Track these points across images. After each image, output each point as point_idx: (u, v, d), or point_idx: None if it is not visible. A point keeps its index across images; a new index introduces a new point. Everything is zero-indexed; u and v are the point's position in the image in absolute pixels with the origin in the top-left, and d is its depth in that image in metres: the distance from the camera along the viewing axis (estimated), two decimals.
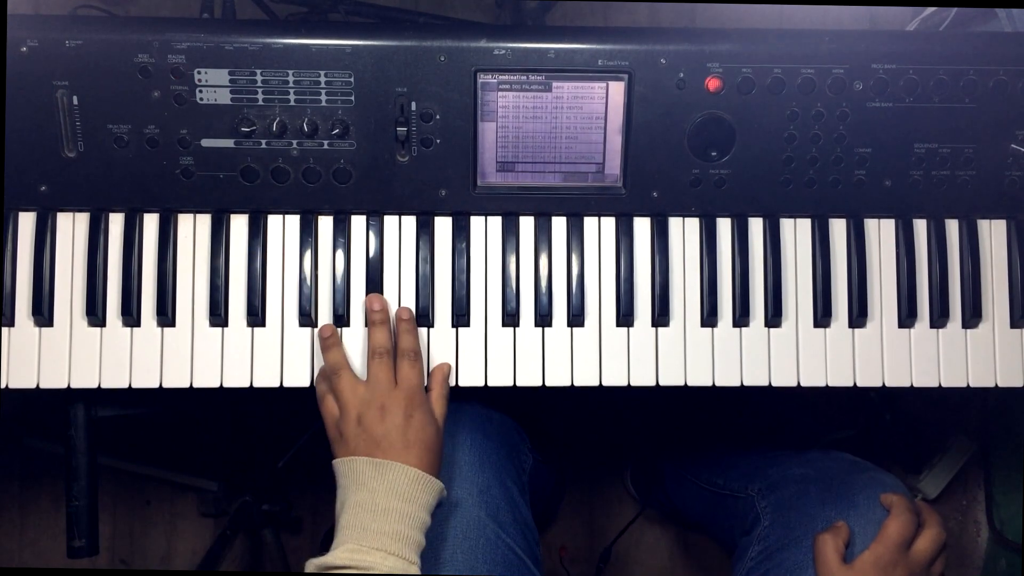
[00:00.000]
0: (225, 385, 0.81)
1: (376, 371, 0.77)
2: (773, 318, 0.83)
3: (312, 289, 0.82)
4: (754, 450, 1.00)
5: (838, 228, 0.85)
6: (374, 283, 0.82)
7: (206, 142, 0.78)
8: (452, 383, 0.82)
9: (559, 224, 0.84)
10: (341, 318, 0.81)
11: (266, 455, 1.26)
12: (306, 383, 0.81)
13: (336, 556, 0.68)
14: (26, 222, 0.81)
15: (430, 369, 0.81)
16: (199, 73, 0.76)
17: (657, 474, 1.27)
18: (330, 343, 0.79)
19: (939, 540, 0.81)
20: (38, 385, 0.80)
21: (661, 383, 0.83)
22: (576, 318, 0.83)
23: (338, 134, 0.78)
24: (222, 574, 1.30)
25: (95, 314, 0.80)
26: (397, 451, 0.73)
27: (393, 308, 0.81)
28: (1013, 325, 0.85)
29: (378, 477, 0.72)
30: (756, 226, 0.84)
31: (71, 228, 0.81)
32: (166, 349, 0.81)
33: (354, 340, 0.81)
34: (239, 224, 0.82)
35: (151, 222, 0.81)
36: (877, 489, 0.84)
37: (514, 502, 0.83)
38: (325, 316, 0.82)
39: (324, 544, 1.20)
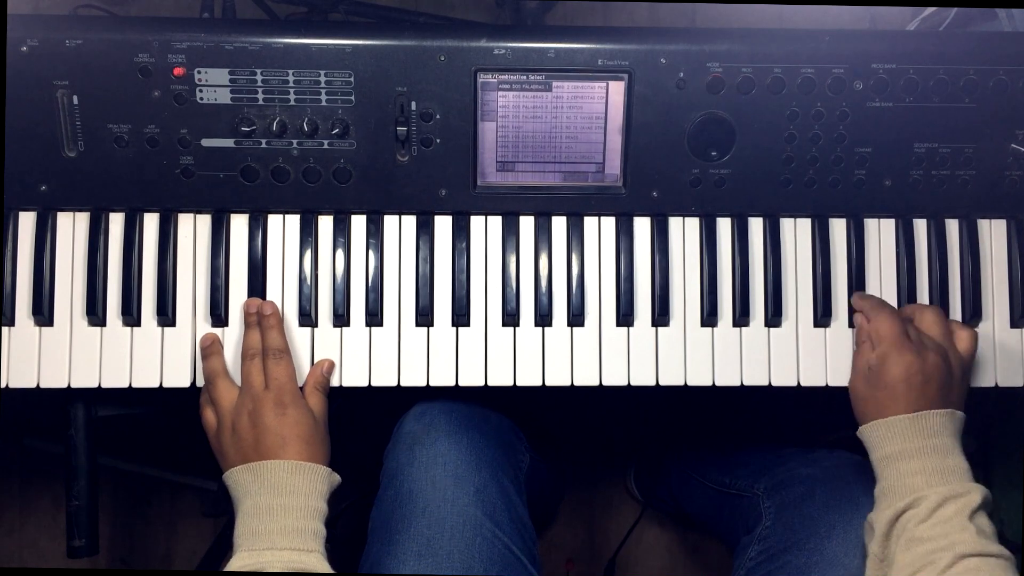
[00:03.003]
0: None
1: (247, 373, 0.78)
2: (773, 318, 0.83)
3: (312, 289, 0.81)
4: (761, 448, 1.00)
5: (838, 228, 0.85)
6: (374, 283, 0.82)
7: (206, 142, 0.78)
8: (452, 383, 0.82)
9: (559, 224, 0.84)
10: (341, 318, 0.81)
11: None
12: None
13: (230, 567, 0.68)
14: (26, 222, 0.81)
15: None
16: (199, 73, 0.76)
17: (661, 474, 1.27)
18: (208, 352, 0.80)
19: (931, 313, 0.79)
20: (38, 385, 0.80)
21: (661, 383, 0.83)
22: (576, 318, 0.83)
23: (338, 134, 0.78)
24: (222, 574, 1.30)
25: (95, 314, 0.80)
26: (274, 450, 0.73)
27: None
28: (1013, 325, 0.85)
29: (256, 480, 0.72)
30: (756, 226, 0.84)
31: (71, 228, 0.81)
32: (166, 349, 0.81)
33: (354, 341, 0.81)
34: (239, 224, 0.82)
35: (151, 222, 0.81)
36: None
37: (511, 501, 0.83)
38: (325, 316, 0.82)
39: None
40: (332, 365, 0.81)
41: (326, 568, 0.70)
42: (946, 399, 0.75)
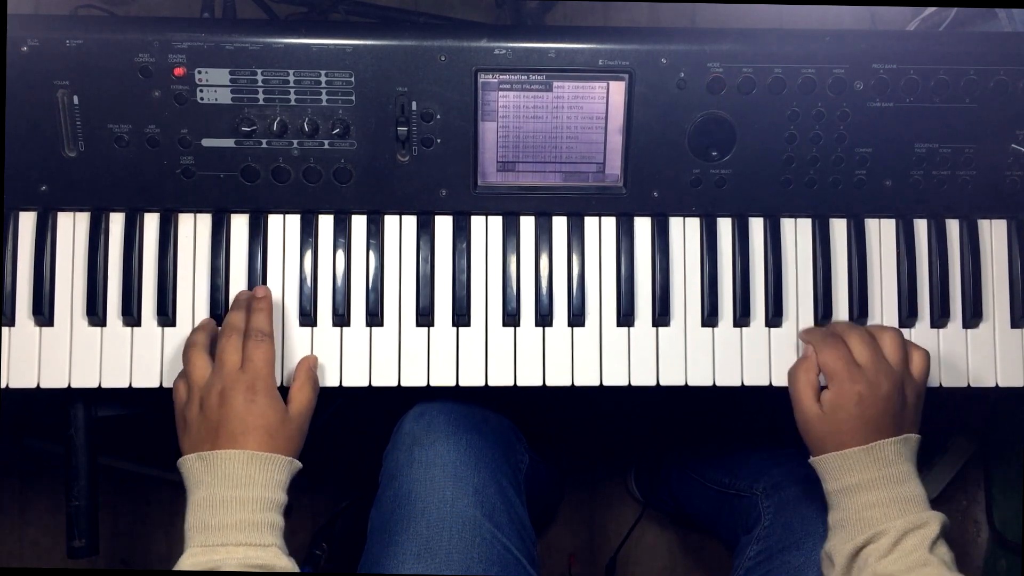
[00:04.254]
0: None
1: (223, 349, 0.75)
2: (774, 318, 0.83)
3: (312, 289, 0.81)
4: (760, 448, 1.00)
5: (838, 228, 0.85)
6: (374, 282, 0.82)
7: (206, 142, 0.78)
8: (452, 383, 0.82)
9: (559, 224, 0.84)
10: (342, 318, 0.81)
11: None
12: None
13: (181, 564, 0.67)
14: (26, 222, 0.81)
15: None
16: (199, 73, 0.76)
17: (661, 474, 1.27)
18: (198, 327, 0.79)
19: (872, 338, 0.77)
20: (38, 385, 0.80)
21: (662, 383, 0.83)
22: (576, 318, 0.83)
23: (338, 134, 0.78)
24: (221, 574, 1.30)
25: (95, 314, 0.80)
26: (234, 438, 0.70)
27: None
28: (1013, 325, 0.85)
29: (209, 471, 0.70)
30: (756, 226, 0.84)
31: (71, 228, 0.81)
32: (167, 349, 0.81)
33: (354, 341, 0.81)
34: (239, 224, 0.82)
35: (151, 222, 0.81)
36: None
37: (510, 502, 0.83)
38: (325, 316, 0.82)
39: (314, 543, 1.20)
40: (315, 361, 0.80)
41: (284, 561, 0.68)
42: (899, 426, 0.74)
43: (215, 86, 0.77)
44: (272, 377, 0.75)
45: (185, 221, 0.82)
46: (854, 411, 0.73)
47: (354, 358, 0.81)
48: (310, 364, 0.79)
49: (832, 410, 0.74)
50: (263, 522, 0.68)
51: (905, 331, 0.84)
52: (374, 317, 0.82)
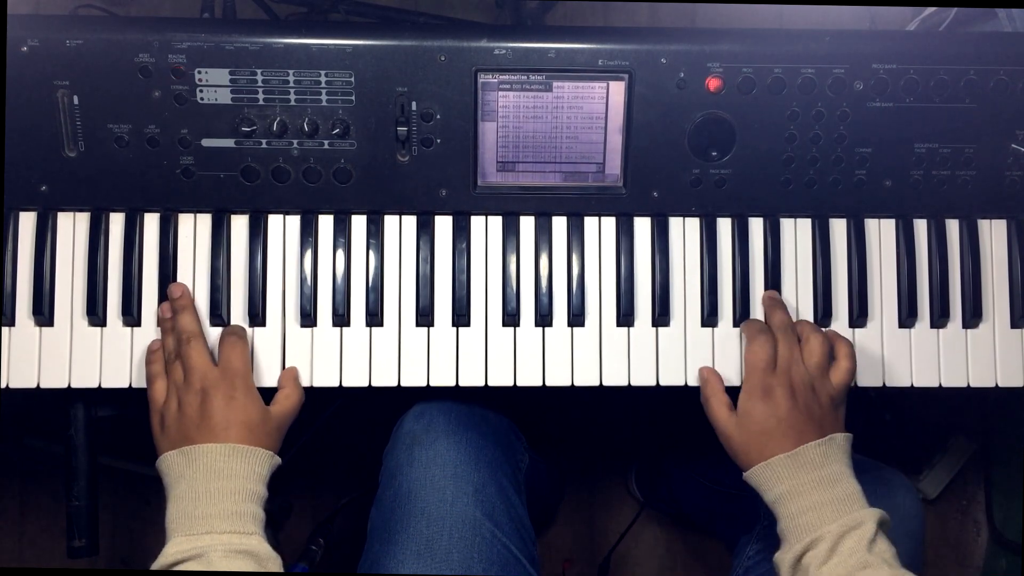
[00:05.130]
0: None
1: (187, 355, 0.75)
2: None
3: (312, 289, 0.81)
4: None
5: (838, 228, 0.85)
6: (374, 282, 0.82)
7: (206, 142, 0.78)
8: (452, 383, 0.82)
9: (559, 224, 0.84)
10: (341, 318, 0.81)
11: None
12: (303, 382, 0.81)
13: (166, 554, 0.67)
14: (26, 222, 0.81)
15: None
16: (199, 73, 0.76)
17: (662, 474, 1.27)
18: (165, 327, 0.79)
19: (794, 347, 0.77)
20: (38, 385, 0.80)
21: (661, 383, 0.83)
22: (576, 318, 0.83)
23: (338, 134, 0.78)
24: (220, 574, 1.30)
25: (95, 314, 0.80)
26: (215, 433, 0.72)
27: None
28: (1013, 325, 0.85)
29: (191, 464, 0.70)
30: (756, 226, 0.84)
31: (71, 228, 0.81)
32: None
33: (354, 341, 0.81)
34: (239, 224, 0.82)
35: (151, 222, 0.81)
36: (880, 489, 0.84)
37: (510, 501, 0.83)
38: (325, 316, 0.82)
39: (311, 538, 1.20)
40: (297, 372, 0.80)
41: (268, 549, 0.68)
42: (821, 428, 0.74)
43: (215, 86, 0.77)
44: (250, 376, 0.76)
45: (185, 221, 0.82)
46: (771, 422, 0.74)
47: (354, 358, 0.81)
48: (296, 373, 0.80)
49: (744, 413, 0.75)
50: (246, 512, 0.69)
51: (905, 331, 0.84)
52: (374, 317, 0.82)
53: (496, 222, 0.83)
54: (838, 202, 0.83)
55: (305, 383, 0.81)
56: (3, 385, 0.80)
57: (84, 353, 0.80)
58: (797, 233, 0.85)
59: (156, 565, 0.66)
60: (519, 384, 0.82)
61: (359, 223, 0.83)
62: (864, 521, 0.69)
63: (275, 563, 0.69)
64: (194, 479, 0.70)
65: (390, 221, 0.83)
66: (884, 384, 0.84)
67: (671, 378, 0.83)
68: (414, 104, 0.78)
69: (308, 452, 1.22)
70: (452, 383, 0.82)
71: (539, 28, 1.03)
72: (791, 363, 0.76)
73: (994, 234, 0.86)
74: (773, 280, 0.84)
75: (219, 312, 0.80)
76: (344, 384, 0.81)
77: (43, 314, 0.79)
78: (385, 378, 0.82)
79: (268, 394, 0.79)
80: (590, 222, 0.84)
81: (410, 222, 0.83)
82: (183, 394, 0.74)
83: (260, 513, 0.70)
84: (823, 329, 0.82)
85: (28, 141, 0.77)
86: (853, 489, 0.72)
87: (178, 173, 0.79)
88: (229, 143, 0.78)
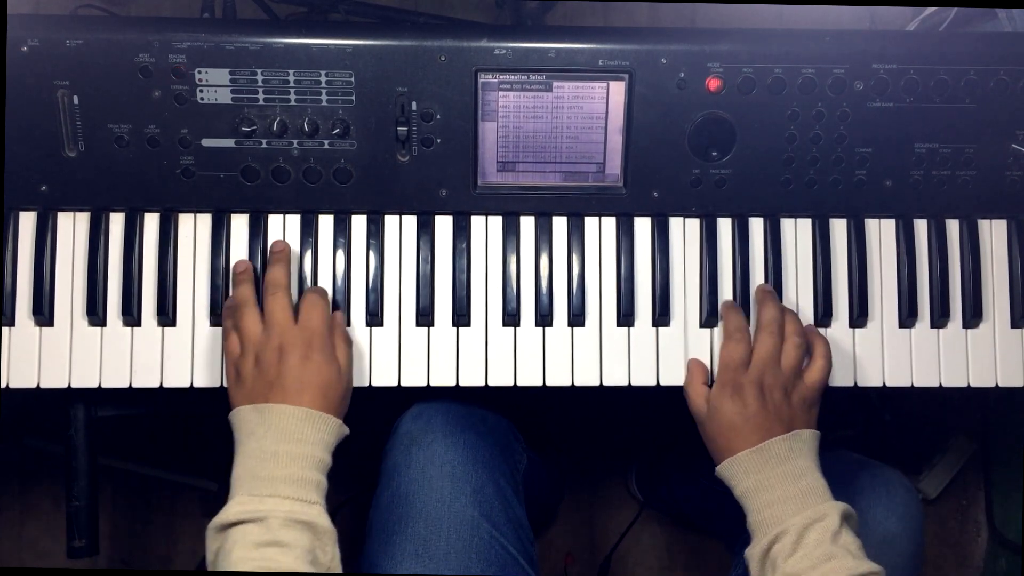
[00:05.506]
0: (225, 385, 0.81)
1: (271, 308, 0.75)
2: None
3: None
4: None
5: (839, 228, 0.85)
6: (375, 282, 0.82)
7: (207, 142, 0.78)
8: (452, 383, 0.82)
9: (560, 224, 0.84)
10: None
11: None
12: None
13: (228, 511, 0.67)
14: (26, 222, 0.81)
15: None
16: (200, 73, 0.76)
17: (662, 474, 1.27)
18: (241, 279, 0.78)
19: (776, 347, 0.78)
20: (38, 385, 0.80)
21: (661, 383, 0.83)
22: (576, 318, 0.83)
23: (339, 134, 0.78)
24: (221, 574, 1.30)
25: (95, 314, 0.80)
26: (291, 393, 0.71)
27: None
28: (1013, 325, 0.85)
29: (263, 423, 0.70)
30: (756, 226, 0.84)
31: (71, 228, 0.81)
32: (166, 349, 0.81)
33: (354, 340, 0.81)
34: (240, 224, 0.82)
35: (151, 222, 0.81)
36: (880, 488, 0.84)
37: (508, 502, 0.83)
38: None
39: None
40: (342, 318, 0.80)
41: (327, 522, 0.68)
42: (787, 425, 0.75)
43: (215, 86, 0.77)
44: (327, 336, 0.76)
45: (185, 221, 0.82)
46: (738, 420, 0.75)
47: (354, 358, 0.81)
48: (340, 319, 0.79)
49: (714, 408, 0.77)
50: (311, 480, 0.69)
51: (905, 331, 0.84)
52: (374, 317, 0.82)
53: (496, 222, 0.83)
54: (838, 202, 0.83)
55: None
56: (3, 385, 0.79)
57: (84, 353, 0.80)
58: (797, 233, 0.85)
59: (217, 521, 0.67)
60: (519, 384, 0.82)
61: (359, 223, 0.83)
62: (828, 514, 0.70)
63: (330, 537, 0.68)
64: (264, 438, 0.69)
65: (390, 221, 0.83)
66: (884, 384, 0.84)
67: (671, 378, 0.83)
68: (414, 104, 0.78)
69: None
70: (452, 383, 0.82)
71: (539, 28, 1.03)
72: (767, 364, 0.77)
73: (994, 234, 0.86)
74: (773, 280, 0.84)
75: (219, 312, 0.80)
76: None
77: (43, 314, 0.79)
78: (385, 378, 0.82)
79: None
80: (590, 222, 0.84)
81: (410, 222, 0.83)
82: (261, 349, 0.73)
83: (324, 482, 0.70)
84: (804, 325, 0.82)
85: (28, 141, 0.77)
86: (817, 483, 0.73)
87: (178, 173, 0.79)
88: (229, 143, 0.78)
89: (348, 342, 0.79)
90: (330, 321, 0.78)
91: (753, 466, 0.74)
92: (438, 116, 0.78)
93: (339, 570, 0.68)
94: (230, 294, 0.79)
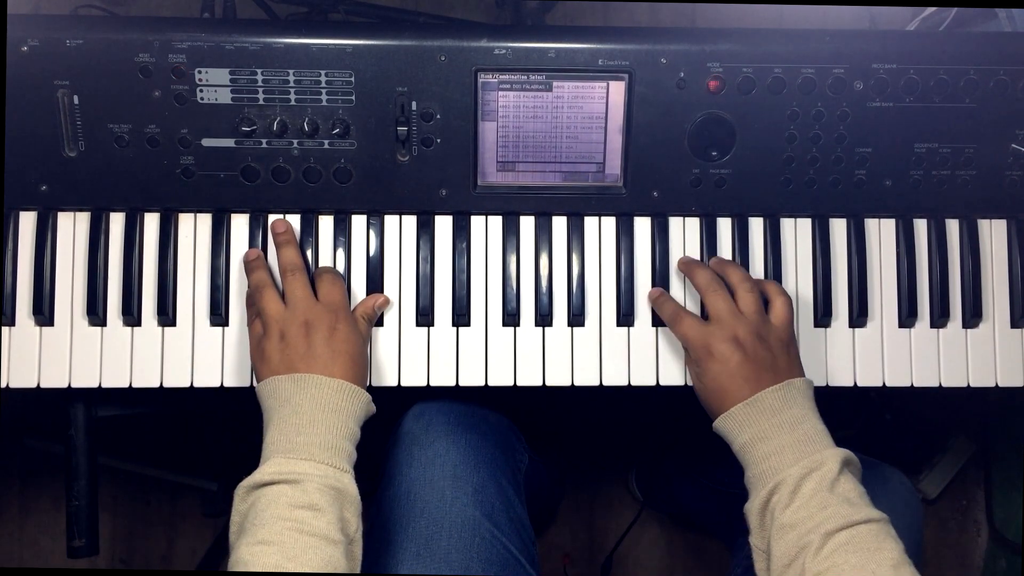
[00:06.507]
0: (226, 385, 0.81)
1: (292, 288, 0.77)
2: None
3: None
4: None
5: (838, 228, 0.85)
6: (374, 282, 0.82)
7: (207, 142, 0.78)
8: (452, 383, 0.82)
9: (559, 224, 0.84)
10: None
11: None
12: None
13: (263, 471, 0.67)
14: (27, 222, 0.81)
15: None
16: (200, 73, 0.76)
17: (662, 473, 1.27)
18: (255, 265, 0.79)
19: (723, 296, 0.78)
20: (38, 385, 0.80)
21: (661, 383, 0.83)
22: (576, 318, 0.83)
23: (339, 134, 0.78)
24: (222, 574, 1.30)
25: (96, 314, 0.80)
26: (322, 364, 0.72)
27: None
28: (1013, 325, 0.85)
29: (301, 392, 0.71)
30: (756, 226, 0.85)
31: (72, 228, 0.81)
32: (167, 349, 0.81)
33: None
34: (240, 224, 0.82)
35: (152, 222, 0.81)
36: (879, 488, 0.83)
37: (509, 501, 0.83)
38: None
39: None
40: (387, 302, 0.81)
41: (356, 492, 0.69)
42: (776, 374, 0.74)
43: (215, 86, 0.77)
44: (348, 311, 0.78)
45: (185, 221, 0.82)
46: (713, 368, 0.75)
47: None
48: (375, 303, 0.81)
49: (697, 376, 0.77)
50: (344, 448, 0.70)
51: (905, 331, 0.84)
52: None
53: (496, 222, 0.83)
54: (838, 202, 0.83)
55: None
56: (3, 385, 0.80)
57: (84, 353, 0.80)
58: (797, 233, 0.85)
59: (250, 481, 0.67)
60: (519, 384, 0.82)
61: (359, 223, 0.83)
62: (826, 461, 0.69)
63: (356, 505, 0.69)
64: (300, 406, 0.70)
65: (390, 221, 0.83)
66: (884, 384, 0.84)
67: (671, 378, 0.83)
68: (414, 104, 0.78)
69: None
70: (452, 383, 0.82)
71: (539, 28, 1.03)
72: (727, 314, 0.76)
73: (994, 234, 0.86)
74: (773, 279, 0.84)
75: (219, 311, 0.80)
76: None
77: (43, 314, 0.79)
78: (385, 378, 0.82)
79: None
80: (590, 222, 0.84)
81: (410, 222, 0.83)
82: (287, 326, 0.74)
83: (354, 454, 0.71)
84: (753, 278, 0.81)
85: (28, 141, 0.77)
86: (815, 430, 0.71)
87: (178, 173, 0.79)
88: (229, 143, 0.78)
89: (371, 322, 0.80)
90: (370, 303, 0.80)
91: (748, 419, 0.72)
92: (438, 116, 0.79)
93: (361, 543, 0.69)
94: (247, 283, 0.80)
